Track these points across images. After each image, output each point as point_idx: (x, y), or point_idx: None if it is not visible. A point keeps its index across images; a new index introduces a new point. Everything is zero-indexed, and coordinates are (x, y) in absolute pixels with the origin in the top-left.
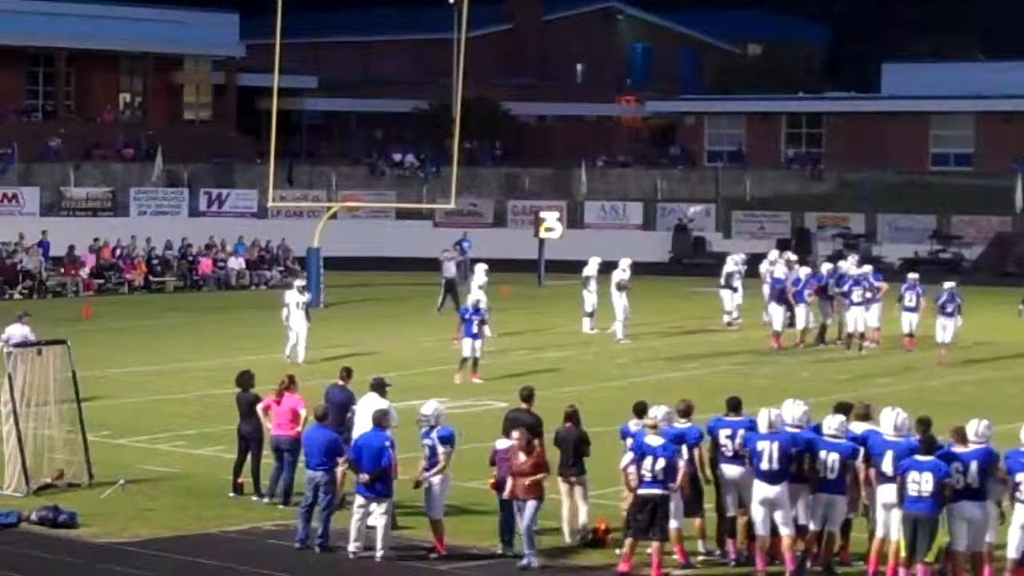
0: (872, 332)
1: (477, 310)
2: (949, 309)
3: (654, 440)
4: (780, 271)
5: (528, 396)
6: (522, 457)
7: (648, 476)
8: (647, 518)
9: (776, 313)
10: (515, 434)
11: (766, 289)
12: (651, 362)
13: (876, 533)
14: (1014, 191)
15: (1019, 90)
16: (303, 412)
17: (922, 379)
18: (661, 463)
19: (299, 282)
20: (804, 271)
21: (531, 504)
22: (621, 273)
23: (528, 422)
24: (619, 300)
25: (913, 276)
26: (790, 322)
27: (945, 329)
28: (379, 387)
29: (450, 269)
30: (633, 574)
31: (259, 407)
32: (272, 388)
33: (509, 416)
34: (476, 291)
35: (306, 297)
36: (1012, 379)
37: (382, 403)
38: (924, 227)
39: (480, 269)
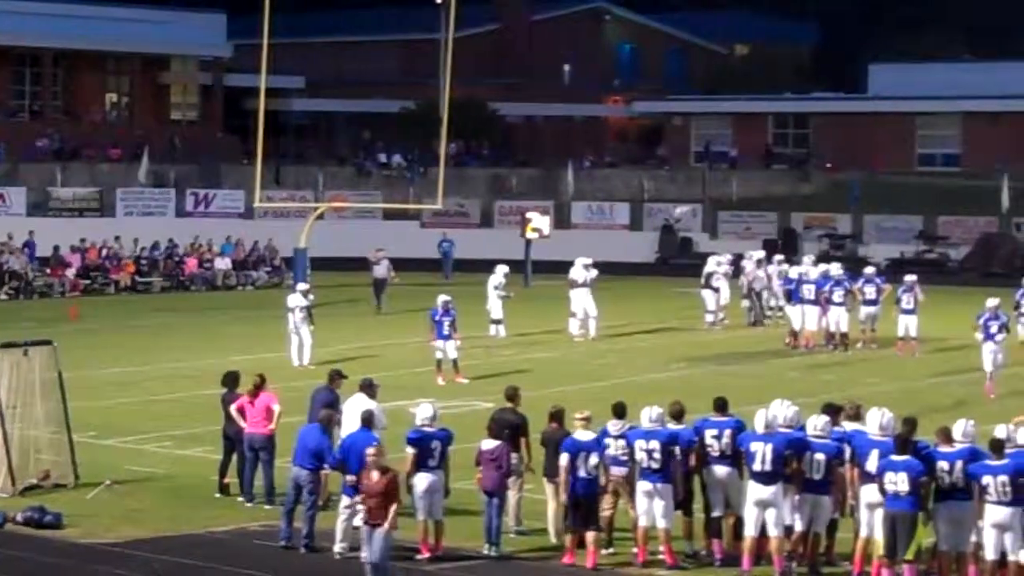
0: (868, 332)
1: (447, 311)
2: (993, 330)
3: (585, 435)
4: (794, 271)
5: (513, 395)
6: (375, 476)
7: (582, 472)
8: (583, 512)
9: (793, 313)
10: (370, 449)
11: (777, 289)
12: (637, 362)
13: (861, 533)
14: (1000, 191)
15: (1006, 90)
16: (277, 409)
17: (910, 380)
18: (594, 459)
19: (301, 286)
20: (816, 271)
21: (379, 532)
22: (582, 271)
23: (513, 421)
24: (579, 297)
25: (910, 278)
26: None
27: (995, 356)
28: (367, 388)
29: (379, 270)
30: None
31: (232, 409)
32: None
33: (495, 416)
34: (492, 292)
35: (308, 301)
36: (999, 379)
37: (370, 404)
38: (910, 227)
39: (500, 270)
